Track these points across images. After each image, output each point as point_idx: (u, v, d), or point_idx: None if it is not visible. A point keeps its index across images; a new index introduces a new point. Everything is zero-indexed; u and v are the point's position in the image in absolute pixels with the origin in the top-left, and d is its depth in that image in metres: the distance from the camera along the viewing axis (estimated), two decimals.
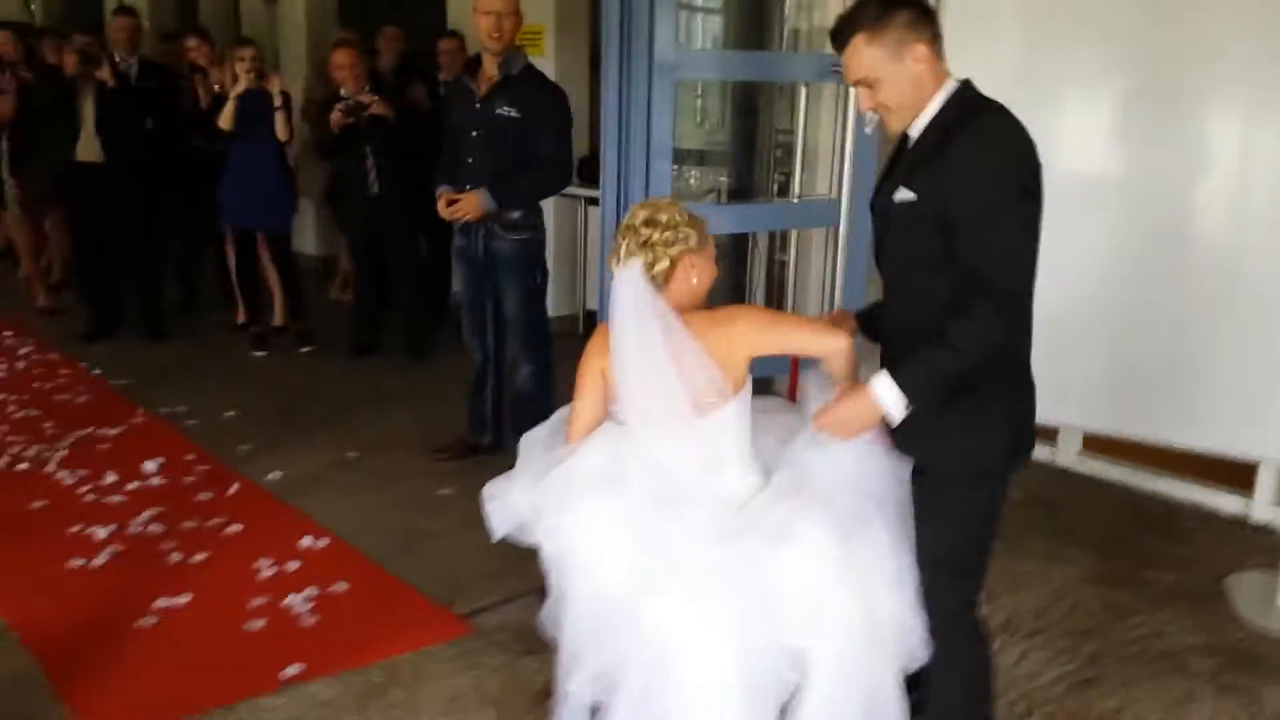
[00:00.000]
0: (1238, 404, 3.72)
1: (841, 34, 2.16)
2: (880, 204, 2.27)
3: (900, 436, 2.22)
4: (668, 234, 2.33)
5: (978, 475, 2.26)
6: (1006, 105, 2.15)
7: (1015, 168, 2.07)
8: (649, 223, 2.34)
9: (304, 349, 6.06)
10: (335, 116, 5.44)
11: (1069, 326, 3.95)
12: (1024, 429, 2.30)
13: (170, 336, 6.30)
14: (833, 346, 2.27)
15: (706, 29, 7.27)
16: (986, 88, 4.04)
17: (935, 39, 2.14)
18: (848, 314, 2.57)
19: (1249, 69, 3.59)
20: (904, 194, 2.15)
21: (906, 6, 2.12)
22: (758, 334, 2.27)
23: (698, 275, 2.35)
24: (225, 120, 5.62)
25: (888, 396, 2.11)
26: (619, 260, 2.34)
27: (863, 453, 2.25)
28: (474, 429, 4.60)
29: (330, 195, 6.83)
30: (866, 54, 2.12)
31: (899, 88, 2.14)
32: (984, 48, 4.07)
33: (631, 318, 2.28)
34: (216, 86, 6.04)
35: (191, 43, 6.50)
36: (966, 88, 2.18)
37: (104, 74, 5.76)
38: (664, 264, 2.32)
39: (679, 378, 2.22)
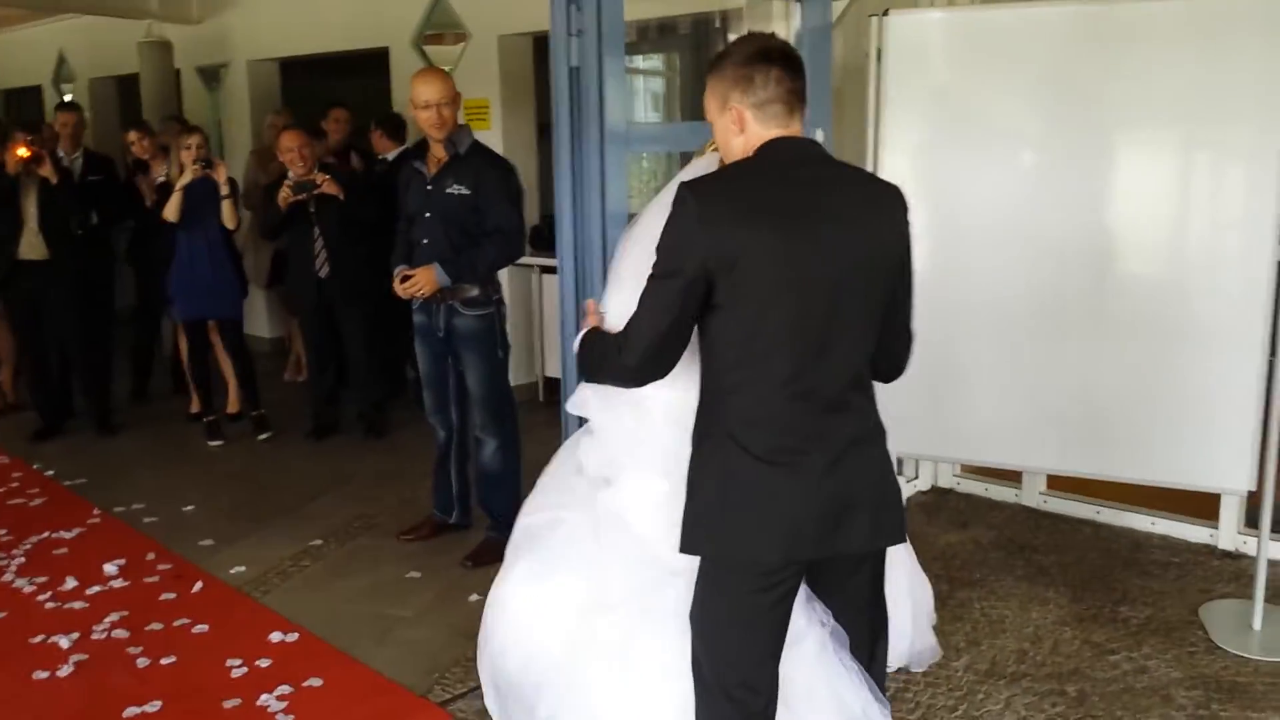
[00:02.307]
0: (1194, 438, 3.78)
1: None
2: None
3: None
4: None
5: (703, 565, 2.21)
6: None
7: (661, 248, 2.07)
8: None
9: (261, 436, 5.98)
10: (284, 194, 5.41)
11: (1023, 368, 4.02)
12: (731, 523, 2.09)
13: (122, 429, 6.19)
14: None
15: (648, 88, 7.38)
16: (922, 132, 4.08)
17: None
18: None
19: (1183, 106, 3.70)
20: None
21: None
22: None
23: None
24: (171, 212, 5.58)
25: None
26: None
27: None
28: (440, 508, 4.55)
29: (274, 278, 6.80)
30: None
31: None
32: (920, 94, 4.17)
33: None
34: (161, 176, 6.00)
35: (132, 136, 6.42)
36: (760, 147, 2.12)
37: (46, 171, 5.67)
38: None
39: None
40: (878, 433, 2.19)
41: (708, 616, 2.21)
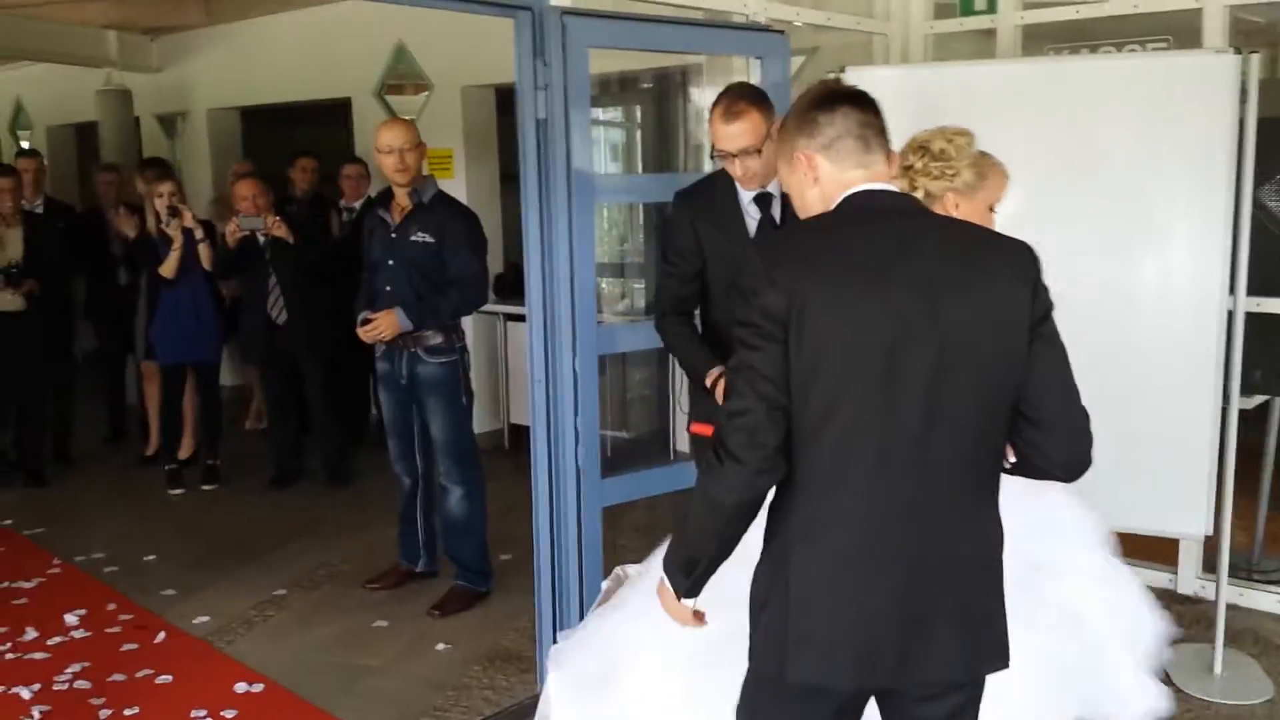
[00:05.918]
0: (1151, 483, 3.84)
1: None
2: None
3: None
4: (933, 165, 2.17)
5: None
6: None
7: (744, 292, 1.76)
8: (919, 149, 2.21)
9: (207, 486, 5.89)
10: (230, 228, 5.41)
11: None
12: (796, 638, 1.76)
13: (78, 475, 6.16)
14: None
15: (608, 139, 7.47)
16: None
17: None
18: None
19: (1128, 160, 3.82)
20: None
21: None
22: None
23: (961, 217, 2.12)
24: (169, 270, 5.59)
25: None
26: None
27: None
28: (406, 556, 4.53)
29: (231, 326, 6.75)
30: None
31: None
32: None
33: None
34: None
35: (107, 178, 6.42)
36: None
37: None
38: (918, 195, 2.17)
39: None
40: (986, 536, 1.84)
41: None
